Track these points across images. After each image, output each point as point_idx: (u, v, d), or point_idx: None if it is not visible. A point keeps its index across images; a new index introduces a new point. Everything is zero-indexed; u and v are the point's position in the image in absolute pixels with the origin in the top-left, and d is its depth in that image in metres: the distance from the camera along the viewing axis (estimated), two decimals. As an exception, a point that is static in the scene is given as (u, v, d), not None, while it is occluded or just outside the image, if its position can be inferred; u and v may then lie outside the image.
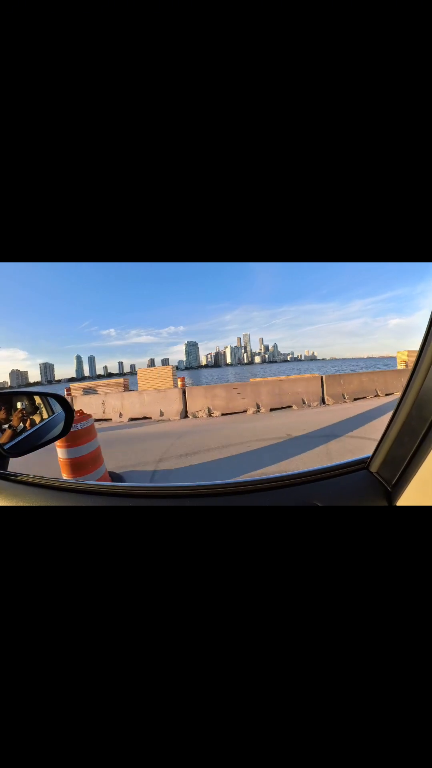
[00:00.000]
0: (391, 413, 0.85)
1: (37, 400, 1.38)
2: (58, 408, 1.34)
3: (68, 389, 13.35)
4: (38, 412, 1.35)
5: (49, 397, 1.37)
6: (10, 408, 1.28)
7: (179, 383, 11.48)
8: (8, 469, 1.09)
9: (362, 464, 0.88)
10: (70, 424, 1.31)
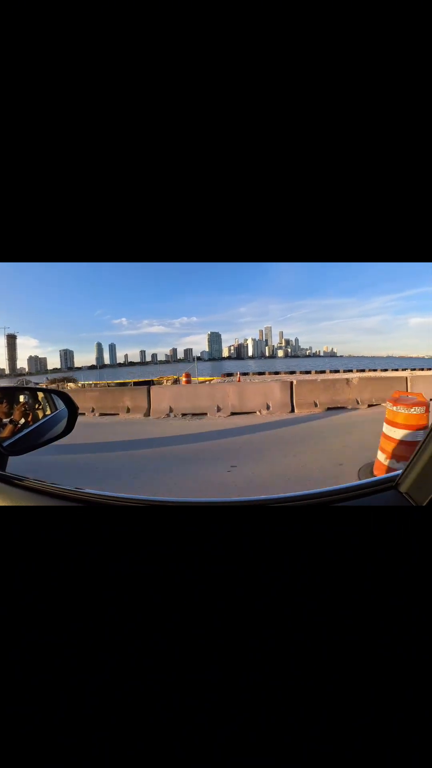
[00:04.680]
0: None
1: (39, 395, 1.31)
2: (60, 405, 1.27)
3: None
4: (40, 408, 1.28)
5: (52, 394, 1.30)
6: (12, 402, 1.22)
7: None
8: (7, 470, 1.03)
9: (391, 483, 0.84)
10: (74, 423, 1.24)
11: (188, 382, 15.36)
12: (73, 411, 1.24)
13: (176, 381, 19.56)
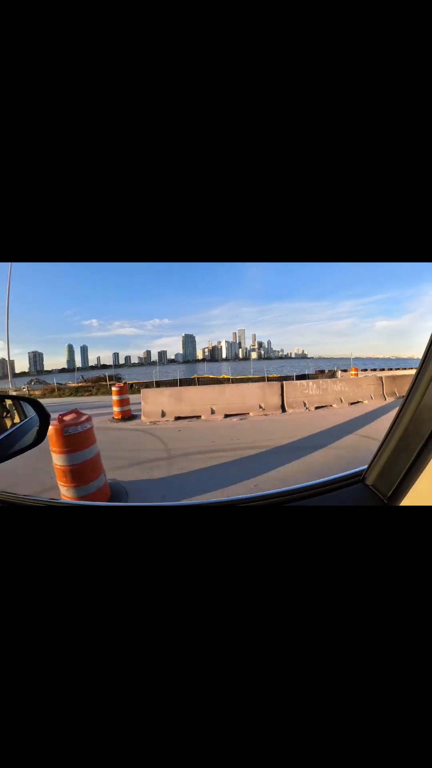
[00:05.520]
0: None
1: (8, 402, 1.22)
2: (30, 412, 1.18)
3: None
4: (8, 416, 1.19)
5: (21, 401, 1.21)
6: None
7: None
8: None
9: (358, 477, 0.90)
10: (45, 432, 1.15)
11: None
12: (44, 419, 1.16)
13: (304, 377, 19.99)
